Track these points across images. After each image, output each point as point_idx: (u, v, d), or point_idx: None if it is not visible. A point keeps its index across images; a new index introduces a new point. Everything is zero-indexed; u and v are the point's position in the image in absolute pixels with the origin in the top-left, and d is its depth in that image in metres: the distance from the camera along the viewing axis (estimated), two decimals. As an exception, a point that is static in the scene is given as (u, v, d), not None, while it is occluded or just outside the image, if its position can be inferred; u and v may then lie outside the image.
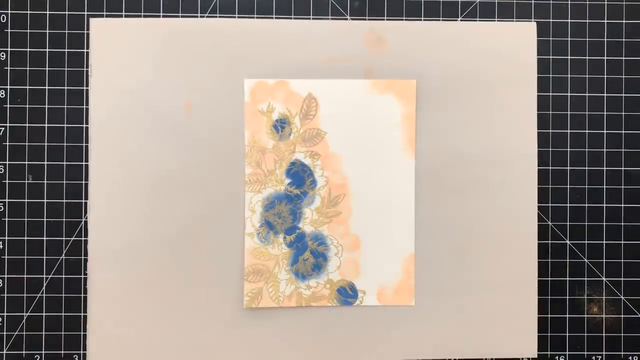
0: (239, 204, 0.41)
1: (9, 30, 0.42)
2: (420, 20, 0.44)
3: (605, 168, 0.44)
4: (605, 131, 0.44)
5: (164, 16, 0.43)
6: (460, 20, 0.44)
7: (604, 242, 0.44)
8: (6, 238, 0.42)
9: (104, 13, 0.43)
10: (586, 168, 0.44)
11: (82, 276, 0.42)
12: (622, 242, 0.44)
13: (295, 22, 0.43)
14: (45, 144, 0.42)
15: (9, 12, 0.42)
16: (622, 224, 0.44)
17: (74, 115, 0.42)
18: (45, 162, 0.42)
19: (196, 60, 0.41)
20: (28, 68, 0.42)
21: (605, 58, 0.44)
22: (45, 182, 0.42)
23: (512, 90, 0.42)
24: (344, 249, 0.42)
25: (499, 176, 0.42)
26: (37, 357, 0.42)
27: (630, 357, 0.43)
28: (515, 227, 0.42)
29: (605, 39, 0.44)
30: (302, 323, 0.42)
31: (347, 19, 0.43)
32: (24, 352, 0.42)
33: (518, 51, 0.43)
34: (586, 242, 0.44)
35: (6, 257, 0.42)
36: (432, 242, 0.42)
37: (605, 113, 0.44)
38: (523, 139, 0.42)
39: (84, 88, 0.42)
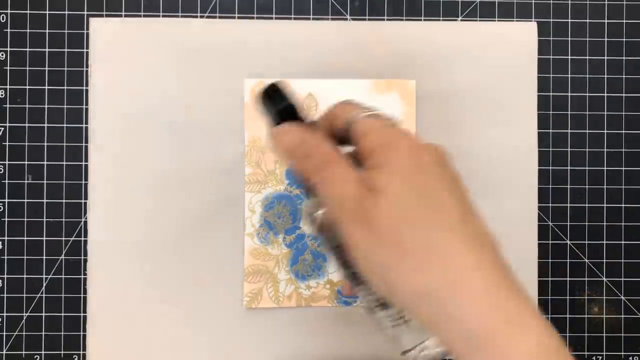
0: (239, 204, 0.41)
1: (8, 30, 0.42)
2: (420, 20, 0.43)
3: (605, 168, 0.44)
4: (605, 131, 0.44)
5: (163, 16, 0.43)
6: (461, 20, 0.44)
7: (605, 242, 0.44)
8: (6, 238, 0.42)
9: (104, 13, 0.43)
10: (586, 168, 0.44)
11: (82, 276, 0.42)
12: (623, 242, 0.44)
13: (295, 22, 0.43)
14: (45, 144, 0.42)
15: (9, 12, 0.42)
16: (623, 224, 0.44)
17: (73, 115, 0.42)
18: (45, 162, 0.42)
19: (196, 60, 0.41)
20: (28, 68, 0.42)
21: (606, 58, 0.44)
22: (45, 182, 0.42)
23: (512, 90, 0.42)
24: (344, 249, 0.42)
25: (499, 176, 0.42)
26: (36, 358, 0.42)
27: (630, 358, 0.43)
28: (515, 227, 0.42)
29: (606, 39, 0.44)
30: (302, 323, 0.42)
31: (347, 19, 0.43)
32: (23, 352, 0.42)
33: (518, 51, 0.42)
34: (586, 242, 0.44)
35: (6, 257, 0.42)
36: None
37: (605, 113, 0.44)
38: (523, 139, 0.42)
39: (84, 88, 0.42)
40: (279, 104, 0.27)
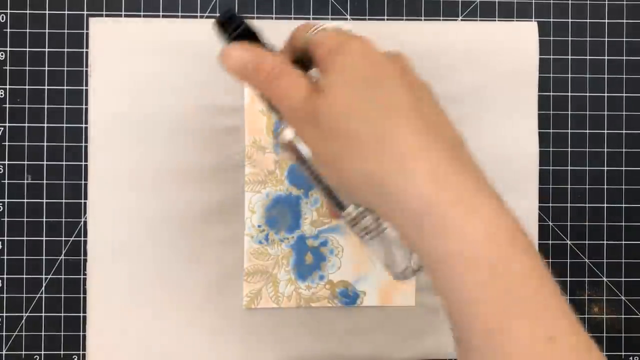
0: (239, 204, 0.41)
1: (8, 30, 0.42)
2: (420, 20, 0.43)
3: (605, 168, 0.44)
4: (605, 131, 0.44)
5: (163, 16, 0.43)
6: (461, 20, 0.44)
7: (605, 242, 0.44)
8: (5, 238, 0.42)
9: (104, 13, 0.43)
10: (587, 168, 0.44)
11: (82, 276, 0.42)
12: (623, 242, 0.44)
13: (295, 22, 0.43)
14: (45, 144, 0.42)
15: (8, 11, 0.42)
16: (623, 224, 0.44)
17: (73, 115, 0.42)
18: (45, 162, 0.42)
19: (196, 60, 0.41)
20: (27, 68, 0.42)
21: (606, 58, 0.44)
22: (45, 182, 0.42)
23: (512, 90, 0.42)
24: (344, 249, 0.42)
25: (499, 176, 0.42)
26: (36, 358, 0.42)
27: (630, 358, 0.43)
28: (515, 227, 0.42)
29: (606, 39, 0.44)
30: (302, 323, 0.42)
31: (347, 19, 0.43)
32: (23, 352, 0.42)
33: (519, 51, 0.42)
34: (587, 242, 0.43)
35: (5, 257, 0.42)
36: (432, 242, 0.42)
37: (605, 113, 0.44)
38: (523, 139, 0.42)
39: (84, 88, 0.42)
40: (234, 29, 0.27)
